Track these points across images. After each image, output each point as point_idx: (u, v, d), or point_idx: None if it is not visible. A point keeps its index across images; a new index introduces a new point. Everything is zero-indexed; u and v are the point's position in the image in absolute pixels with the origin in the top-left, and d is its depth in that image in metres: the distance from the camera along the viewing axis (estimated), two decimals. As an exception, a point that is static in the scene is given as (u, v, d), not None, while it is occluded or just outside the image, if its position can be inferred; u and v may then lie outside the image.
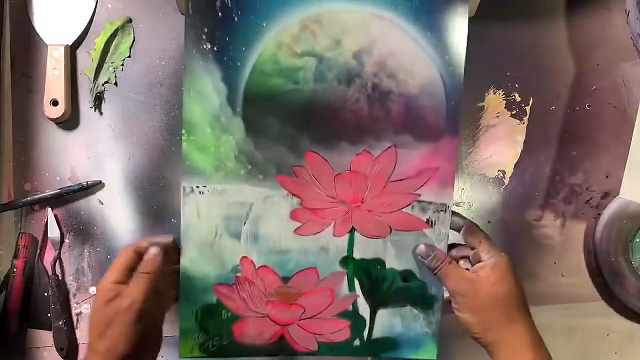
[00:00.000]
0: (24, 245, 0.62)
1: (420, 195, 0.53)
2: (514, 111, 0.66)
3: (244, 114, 0.51)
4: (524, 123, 0.66)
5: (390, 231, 0.53)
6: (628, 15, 0.67)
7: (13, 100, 0.62)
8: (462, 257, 0.53)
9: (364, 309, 0.55)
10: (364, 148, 0.52)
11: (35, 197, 0.62)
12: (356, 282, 0.54)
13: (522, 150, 0.66)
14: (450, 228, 0.53)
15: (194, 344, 0.53)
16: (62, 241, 0.63)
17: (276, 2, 0.50)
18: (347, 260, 0.54)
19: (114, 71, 0.63)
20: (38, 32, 0.62)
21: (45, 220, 0.63)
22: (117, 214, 0.63)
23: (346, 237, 0.53)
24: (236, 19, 0.50)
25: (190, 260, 0.52)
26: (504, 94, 0.66)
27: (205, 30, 0.50)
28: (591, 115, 0.67)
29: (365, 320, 0.55)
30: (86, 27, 0.62)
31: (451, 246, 0.54)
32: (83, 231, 0.63)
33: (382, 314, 0.55)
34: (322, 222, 0.53)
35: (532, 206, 0.67)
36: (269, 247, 0.53)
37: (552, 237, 0.67)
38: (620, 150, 0.65)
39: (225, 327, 0.53)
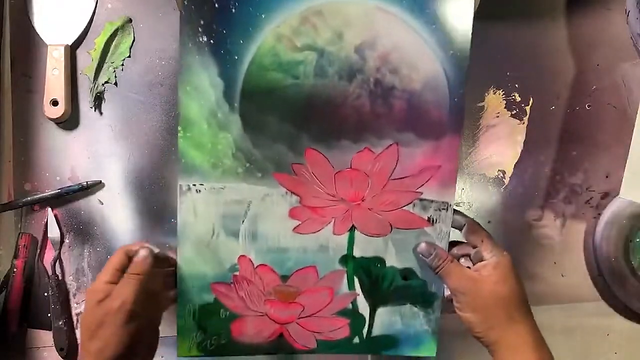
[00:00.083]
0: (24, 245, 0.62)
1: (422, 193, 0.52)
2: (514, 111, 0.66)
3: (241, 110, 0.50)
4: (524, 123, 0.66)
5: (391, 229, 0.53)
6: (628, 15, 0.67)
7: (13, 100, 0.62)
8: (463, 256, 0.53)
9: (363, 307, 0.54)
10: (365, 146, 0.51)
11: (35, 197, 0.62)
12: (356, 280, 0.54)
13: (522, 150, 0.66)
14: (452, 226, 0.53)
15: (191, 343, 0.53)
16: (62, 241, 0.63)
17: None
18: (346, 259, 0.53)
19: (114, 71, 0.63)
20: (38, 32, 0.62)
21: (45, 220, 0.62)
22: (117, 214, 0.63)
23: (346, 235, 0.53)
24: (234, 10, 0.48)
25: (187, 260, 0.52)
26: (504, 94, 0.66)
27: (202, 22, 0.48)
28: (591, 115, 0.67)
29: (364, 318, 0.54)
30: (86, 27, 0.62)
31: (452, 244, 0.54)
32: (83, 231, 0.63)
33: (381, 312, 0.54)
34: (322, 220, 0.52)
35: (532, 206, 0.67)
36: (267, 246, 0.52)
37: (552, 237, 0.67)
38: (620, 150, 0.66)
39: (223, 326, 0.53)
